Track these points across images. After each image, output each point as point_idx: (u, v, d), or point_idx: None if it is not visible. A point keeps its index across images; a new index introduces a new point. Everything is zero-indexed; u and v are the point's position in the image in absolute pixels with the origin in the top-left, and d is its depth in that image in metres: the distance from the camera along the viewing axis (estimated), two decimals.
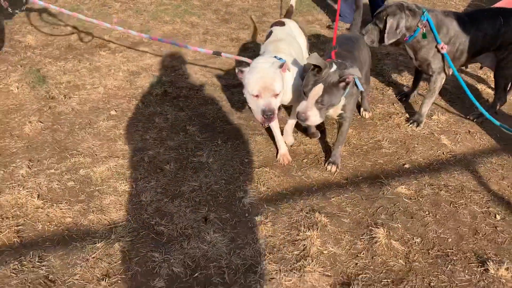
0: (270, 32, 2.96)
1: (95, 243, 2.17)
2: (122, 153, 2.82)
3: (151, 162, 2.74)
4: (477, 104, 2.88)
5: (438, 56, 2.96)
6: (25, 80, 3.57)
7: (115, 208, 2.39)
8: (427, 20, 2.87)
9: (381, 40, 2.98)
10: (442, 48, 2.89)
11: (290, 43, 2.78)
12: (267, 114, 2.30)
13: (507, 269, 2.08)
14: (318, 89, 2.27)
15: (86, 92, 3.49)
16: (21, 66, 3.80)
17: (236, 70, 2.43)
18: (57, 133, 3.00)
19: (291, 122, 2.84)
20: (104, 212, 2.37)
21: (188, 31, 4.64)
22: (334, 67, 2.30)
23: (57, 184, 2.55)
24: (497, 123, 2.77)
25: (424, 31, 2.89)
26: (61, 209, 2.37)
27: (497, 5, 4.66)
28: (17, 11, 3.62)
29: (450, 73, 3.05)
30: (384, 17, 2.89)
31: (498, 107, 3.23)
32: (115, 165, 2.71)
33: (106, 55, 4.09)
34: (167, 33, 4.60)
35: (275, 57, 2.50)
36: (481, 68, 3.48)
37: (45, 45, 4.22)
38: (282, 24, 3.03)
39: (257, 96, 2.32)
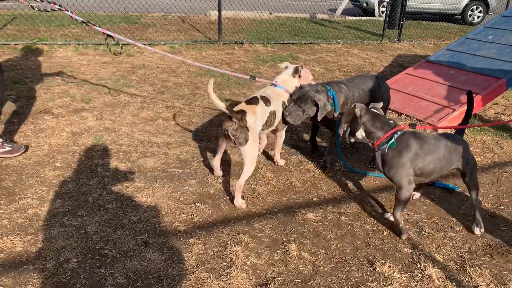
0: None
1: (45, 265, 2.44)
2: (67, 196, 3.14)
3: (95, 202, 3.09)
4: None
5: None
6: None
7: (62, 238, 2.69)
8: (332, 94, 3.61)
9: (314, 117, 3.54)
10: (336, 117, 3.61)
11: None
12: None
13: (389, 266, 2.65)
14: None
15: (31, 149, 3.80)
16: None
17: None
18: (5, 181, 3.27)
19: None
20: (52, 241, 2.65)
21: (127, 100, 5.17)
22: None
23: (7, 221, 2.80)
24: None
25: (331, 101, 3.59)
26: (11, 240, 2.62)
27: (390, 80, 5.83)
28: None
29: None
30: (310, 99, 3.43)
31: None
32: (62, 205, 3.02)
33: (49, 119, 4.46)
34: (107, 102, 5.10)
35: None
36: None
37: None
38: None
39: None
